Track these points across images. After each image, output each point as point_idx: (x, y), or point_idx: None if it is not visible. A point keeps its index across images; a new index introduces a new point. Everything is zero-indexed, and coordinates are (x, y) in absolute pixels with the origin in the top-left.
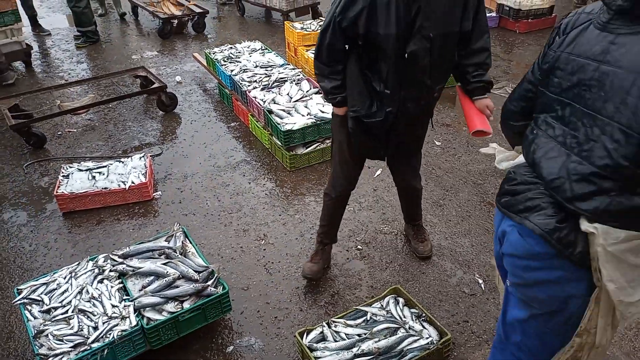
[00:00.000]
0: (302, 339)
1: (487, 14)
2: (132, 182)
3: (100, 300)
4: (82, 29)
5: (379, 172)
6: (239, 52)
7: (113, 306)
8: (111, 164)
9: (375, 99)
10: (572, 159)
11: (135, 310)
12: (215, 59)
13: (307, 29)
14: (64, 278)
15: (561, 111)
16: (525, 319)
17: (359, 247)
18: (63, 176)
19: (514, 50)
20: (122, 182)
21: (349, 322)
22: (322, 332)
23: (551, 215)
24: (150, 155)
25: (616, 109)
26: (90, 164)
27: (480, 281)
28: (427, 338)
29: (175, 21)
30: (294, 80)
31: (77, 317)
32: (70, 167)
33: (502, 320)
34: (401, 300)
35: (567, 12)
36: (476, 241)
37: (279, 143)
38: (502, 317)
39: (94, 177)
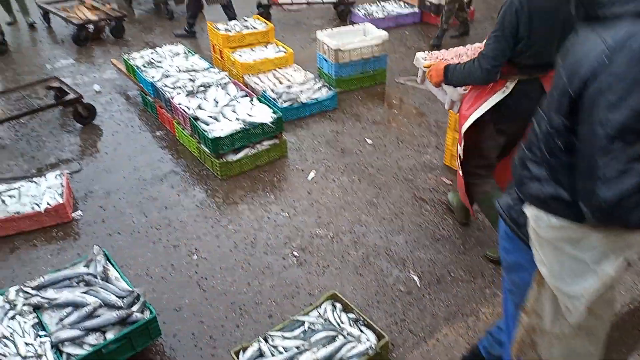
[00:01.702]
0: (238, 358)
1: (409, 10)
2: (48, 204)
3: (12, 339)
4: None
5: (312, 174)
6: (161, 57)
7: (27, 344)
8: (22, 186)
9: None
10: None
11: (52, 346)
12: (135, 65)
13: (231, 31)
14: None
15: None
16: (514, 313)
17: (295, 253)
18: None
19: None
20: (37, 204)
21: (286, 334)
22: (259, 348)
23: (512, 196)
24: (68, 173)
25: (547, 104)
26: None
27: (416, 278)
28: (365, 343)
29: (92, 26)
30: (220, 84)
31: None
32: None
33: (505, 325)
34: (338, 305)
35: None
36: (410, 238)
37: (208, 151)
38: (505, 321)
39: (4, 201)
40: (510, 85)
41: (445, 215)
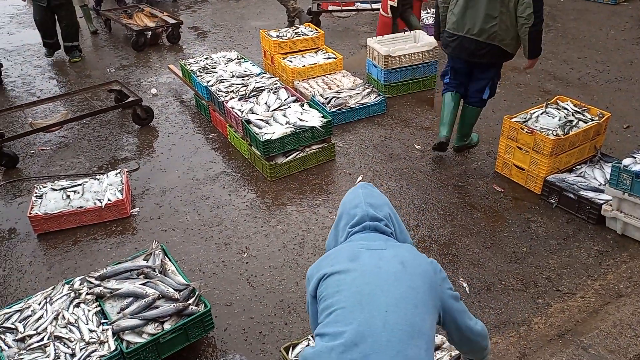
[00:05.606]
0: (287, 354)
1: None
2: (109, 200)
3: (77, 325)
4: (76, 43)
5: (359, 178)
6: (215, 62)
7: (90, 331)
8: (86, 182)
9: None
10: None
11: (114, 334)
12: (191, 70)
13: (283, 37)
14: (39, 304)
15: None
16: None
17: None
18: (36, 196)
19: None
20: (98, 200)
21: None
22: (307, 346)
23: None
24: (127, 171)
25: None
26: (64, 183)
27: (465, 284)
28: None
29: (149, 33)
30: (272, 89)
31: (54, 344)
32: (44, 187)
33: None
34: None
35: None
36: (459, 244)
37: (259, 153)
38: None
39: (68, 196)
40: None
41: (497, 223)
